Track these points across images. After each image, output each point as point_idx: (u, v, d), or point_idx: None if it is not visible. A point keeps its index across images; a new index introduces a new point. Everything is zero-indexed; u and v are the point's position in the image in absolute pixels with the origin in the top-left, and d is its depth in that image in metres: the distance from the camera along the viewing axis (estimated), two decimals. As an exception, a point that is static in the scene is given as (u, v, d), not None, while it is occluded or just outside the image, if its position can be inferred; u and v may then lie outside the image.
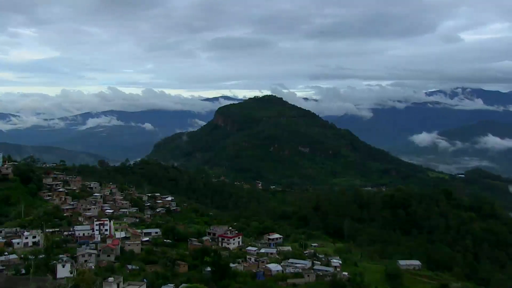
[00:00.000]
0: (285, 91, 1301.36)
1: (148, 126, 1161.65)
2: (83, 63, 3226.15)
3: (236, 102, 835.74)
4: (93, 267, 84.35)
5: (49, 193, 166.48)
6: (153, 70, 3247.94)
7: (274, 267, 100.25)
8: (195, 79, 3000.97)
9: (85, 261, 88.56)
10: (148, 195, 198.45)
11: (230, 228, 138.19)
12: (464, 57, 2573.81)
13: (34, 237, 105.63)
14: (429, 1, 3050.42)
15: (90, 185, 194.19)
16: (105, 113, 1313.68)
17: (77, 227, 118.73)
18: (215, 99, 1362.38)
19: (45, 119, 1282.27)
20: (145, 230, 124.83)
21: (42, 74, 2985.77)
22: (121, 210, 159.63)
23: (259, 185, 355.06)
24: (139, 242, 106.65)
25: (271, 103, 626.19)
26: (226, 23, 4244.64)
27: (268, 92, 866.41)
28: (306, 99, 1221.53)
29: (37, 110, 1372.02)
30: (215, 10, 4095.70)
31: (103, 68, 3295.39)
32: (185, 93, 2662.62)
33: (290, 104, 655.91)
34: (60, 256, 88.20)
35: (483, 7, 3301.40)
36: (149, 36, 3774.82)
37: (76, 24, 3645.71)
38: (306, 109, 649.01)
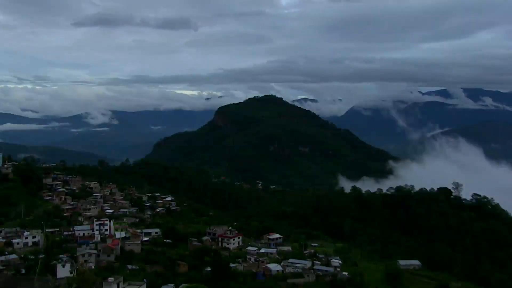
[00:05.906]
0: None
1: (148, 126, 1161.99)
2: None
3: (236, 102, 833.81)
4: (93, 267, 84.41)
5: (49, 193, 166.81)
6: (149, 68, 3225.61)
7: (274, 267, 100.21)
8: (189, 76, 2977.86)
9: (85, 261, 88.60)
10: (148, 195, 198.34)
11: (230, 228, 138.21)
12: (465, 56, 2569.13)
13: (34, 237, 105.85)
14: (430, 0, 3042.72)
15: (90, 185, 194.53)
16: (105, 113, 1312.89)
17: (77, 227, 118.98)
18: (215, 98, 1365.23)
19: (45, 119, 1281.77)
20: (145, 230, 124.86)
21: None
22: (121, 210, 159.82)
23: (259, 185, 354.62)
24: (139, 242, 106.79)
25: (271, 103, 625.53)
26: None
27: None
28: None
29: (36, 109, 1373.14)
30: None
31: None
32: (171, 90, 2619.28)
33: (290, 104, 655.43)
34: (60, 256, 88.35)
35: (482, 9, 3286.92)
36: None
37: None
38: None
